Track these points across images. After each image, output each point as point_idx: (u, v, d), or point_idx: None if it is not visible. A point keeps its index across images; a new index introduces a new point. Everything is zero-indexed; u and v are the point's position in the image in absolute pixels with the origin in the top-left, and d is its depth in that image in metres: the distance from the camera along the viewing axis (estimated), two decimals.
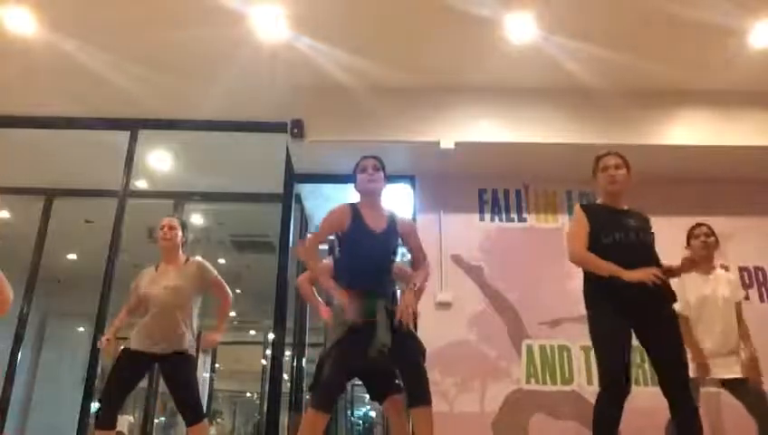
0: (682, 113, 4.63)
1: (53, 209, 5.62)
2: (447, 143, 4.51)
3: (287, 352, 5.04)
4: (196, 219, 6.65)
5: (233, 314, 10.19)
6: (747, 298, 4.58)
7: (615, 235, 2.71)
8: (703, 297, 3.37)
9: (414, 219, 4.84)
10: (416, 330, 2.70)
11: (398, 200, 4.98)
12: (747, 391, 3.23)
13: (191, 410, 3.19)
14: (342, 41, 4.16)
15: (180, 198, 5.52)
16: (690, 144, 4.53)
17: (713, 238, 3.48)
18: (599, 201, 2.99)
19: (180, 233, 3.46)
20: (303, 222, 5.65)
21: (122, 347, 3.30)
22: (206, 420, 3.27)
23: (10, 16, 3.97)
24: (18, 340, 5.29)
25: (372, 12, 3.91)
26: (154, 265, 3.49)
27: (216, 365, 12.90)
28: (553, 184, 4.95)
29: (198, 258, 3.50)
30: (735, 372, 3.25)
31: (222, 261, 7.40)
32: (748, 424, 3.22)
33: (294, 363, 5.57)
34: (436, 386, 4.33)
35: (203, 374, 12.19)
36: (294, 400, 5.34)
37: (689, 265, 2.72)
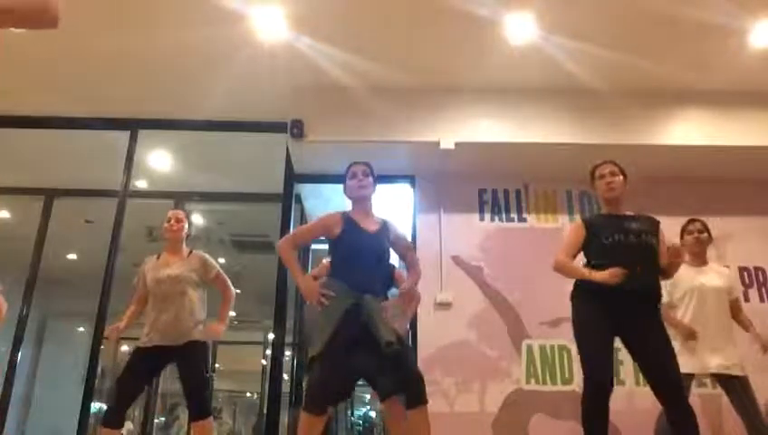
0: (682, 113, 4.63)
1: (53, 209, 5.62)
2: (447, 143, 4.51)
3: (287, 352, 5.04)
4: (196, 219, 6.64)
5: (233, 313, 10.18)
6: (747, 300, 4.60)
7: (615, 236, 2.77)
8: (693, 289, 3.38)
9: (414, 219, 4.86)
10: (409, 331, 2.69)
11: (397, 201, 5.00)
12: (739, 390, 3.22)
13: (198, 404, 3.20)
14: (342, 41, 4.16)
15: (180, 198, 5.52)
16: (690, 144, 4.53)
17: (705, 234, 3.51)
18: (602, 211, 3.02)
19: (186, 226, 3.53)
20: (303, 222, 5.65)
21: (134, 347, 3.30)
22: (211, 418, 3.26)
23: None
24: (18, 340, 5.29)
25: (372, 12, 3.91)
26: (155, 255, 3.53)
27: (216, 365, 12.89)
28: (553, 184, 4.96)
29: (201, 252, 3.54)
30: (727, 369, 3.24)
31: (222, 261, 7.39)
32: None
33: (294, 363, 5.57)
34: (436, 386, 4.34)
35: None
36: (294, 400, 5.34)
37: (674, 252, 2.74)
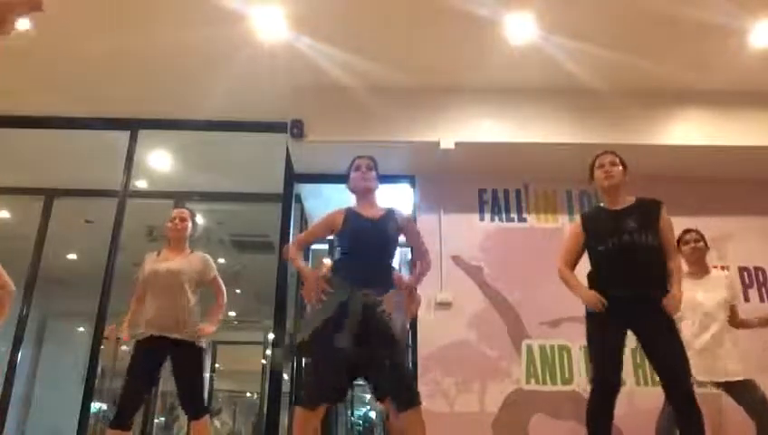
0: (682, 113, 4.63)
1: (53, 209, 5.61)
2: (447, 143, 4.51)
3: None
4: (196, 219, 6.64)
5: (233, 313, 10.19)
6: (747, 300, 4.60)
7: (608, 242, 2.79)
8: (693, 300, 3.37)
9: (414, 219, 4.85)
10: (409, 330, 2.67)
11: (397, 201, 4.99)
12: (745, 392, 3.23)
13: (195, 404, 3.20)
14: (342, 41, 4.16)
15: (180, 198, 5.51)
16: (690, 144, 4.53)
17: (702, 243, 3.51)
18: (601, 204, 3.02)
19: (190, 226, 3.54)
20: (303, 222, 5.65)
21: (135, 341, 3.29)
22: (207, 417, 3.26)
23: None
24: (18, 340, 5.29)
25: (372, 12, 3.91)
26: (156, 252, 3.53)
27: (216, 365, 12.89)
28: (553, 184, 4.96)
29: (203, 253, 3.55)
30: (730, 375, 3.25)
31: (222, 261, 7.39)
32: (748, 425, 3.22)
33: (294, 363, 5.57)
34: (436, 386, 4.34)
35: (203, 374, 12.18)
36: (294, 399, 5.34)
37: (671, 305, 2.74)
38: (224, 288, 3.56)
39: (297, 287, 5.21)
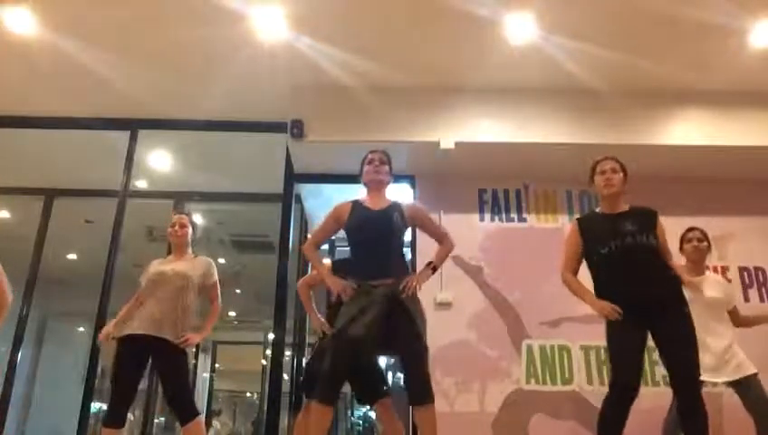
0: (682, 113, 4.63)
1: (53, 209, 5.61)
2: (447, 143, 4.51)
3: (287, 352, 5.04)
4: (196, 219, 6.57)
5: (233, 313, 10.19)
6: (747, 300, 4.60)
7: (611, 244, 2.77)
8: (691, 300, 3.37)
9: None
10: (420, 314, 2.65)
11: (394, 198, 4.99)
12: (750, 388, 3.22)
13: (185, 407, 3.14)
14: (342, 41, 4.16)
15: (180, 198, 5.52)
16: (690, 144, 4.53)
17: (705, 243, 3.50)
18: (597, 209, 3.02)
19: (190, 231, 3.55)
20: (303, 222, 5.65)
21: (119, 336, 3.22)
22: (201, 417, 3.22)
23: (10, 16, 3.97)
24: (18, 340, 5.29)
25: (372, 12, 3.91)
26: (160, 259, 3.55)
27: (216, 365, 12.90)
28: (553, 184, 4.96)
29: (207, 258, 3.55)
30: (730, 375, 3.25)
31: (222, 261, 7.39)
32: (748, 424, 3.22)
33: (294, 363, 5.57)
34: (436, 386, 4.30)
35: (203, 374, 12.19)
36: (294, 400, 5.34)
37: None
38: (219, 298, 3.53)
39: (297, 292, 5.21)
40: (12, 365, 5.21)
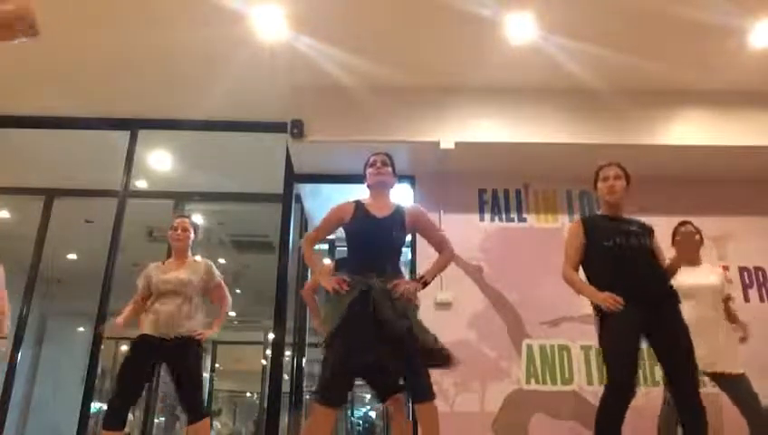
0: (682, 113, 4.63)
1: (53, 209, 5.61)
2: (447, 143, 4.51)
3: (287, 352, 5.04)
4: (196, 219, 6.59)
5: (233, 313, 10.19)
6: (747, 300, 4.60)
7: (616, 239, 2.79)
8: (688, 287, 3.37)
9: None
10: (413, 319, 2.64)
11: (397, 201, 4.99)
12: (740, 386, 3.22)
13: (197, 406, 3.19)
14: (342, 41, 4.16)
15: (180, 198, 5.51)
16: (690, 144, 4.53)
17: (698, 236, 3.50)
18: (599, 212, 3.03)
19: (192, 235, 3.56)
20: (303, 222, 5.65)
21: (130, 343, 3.29)
22: (207, 420, 3.25)
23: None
24: (18, 340, 5.29)
25: (372, 12, 3.91)
26: (160, 262, 3.56)
27: (216, 365, 12.89)
28: (553, 184, 4.95)
29: (208, 260, 3.57)
30: (724, 368, 3.24)
31: (222, 261, 7.39)
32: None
33: (294, 363, 5.57)
34: (436, 386, 4.29)
35: (203, 374, 12.17)
36: (294, 400, 5.34)
37: (677, 262, 2.84)
38: (228, 295, 3.59)
39: (297, 287, 5.21)
40: (12, 365, 5.21)
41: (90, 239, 6.33)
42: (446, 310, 4.56)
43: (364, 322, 2.49)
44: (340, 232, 2.92)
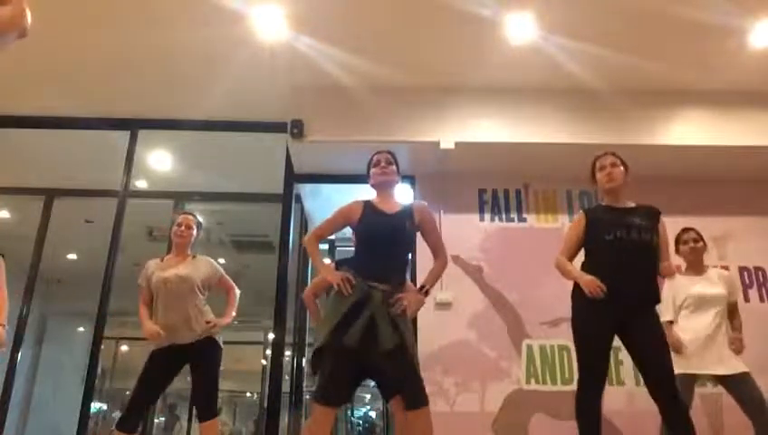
0: (682, 113, 4.63)
1: (53, 209, 5.61)
2: (447, 143, 4.51)
3: (287, 352, 5.04)
4: (200, 222, 6.64)
5: (233, 314, 10.17)
6: (747, 300, 4.60)
7: (617, 232, 2.78)
8: (693, 296, 3.38)
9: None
10: (413, 329, 2.65)
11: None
12: (744, 386, 3.22)
13: (210, 405, 3.21)
14: (342, 41, 4.16)
15: (180, 198, 5.51)
16: (690, 144, 4.53)
17: (701, 243, 3.51)
18: (602, 202, 3.03)
19: (195, 233, 3.55)
20: (303, 222, 5.65)
21: (149, 352, 3.30)
22: (217, 419, 3.28)
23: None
24: (18, 340, 5.29)
25: (372, 12, 3.91)
26: (158, 258, 3.54)
27: None
28: (553, 184, 4.96)
29: (207, 257, 3.56)
30: (728, 369, 3.24)
31: (222, 261, 7.36)
32: (748, 425, 3.21)
33: (294, 363, 5.57)
34: (436, 386, 4.34)
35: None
36: (294, 400, 5.35)
37: (667, 272, 2.87)
38: (232, 283, 3.59)
39: (297, 287, 5.21)
40: (12, 365, 5.21)
41: (90, 239, 6.33)
42: (446, 310, 4.57)
43: (358, 329, 2.48)
44: (341, 232, 2.92)
